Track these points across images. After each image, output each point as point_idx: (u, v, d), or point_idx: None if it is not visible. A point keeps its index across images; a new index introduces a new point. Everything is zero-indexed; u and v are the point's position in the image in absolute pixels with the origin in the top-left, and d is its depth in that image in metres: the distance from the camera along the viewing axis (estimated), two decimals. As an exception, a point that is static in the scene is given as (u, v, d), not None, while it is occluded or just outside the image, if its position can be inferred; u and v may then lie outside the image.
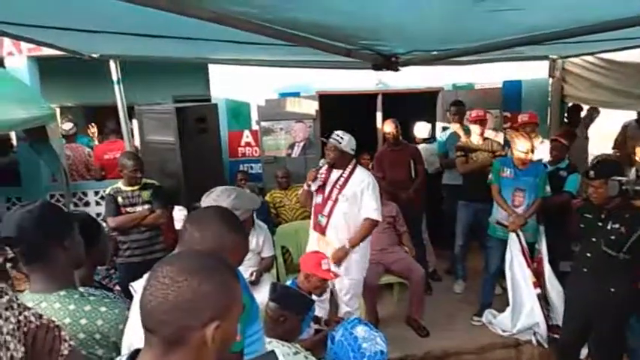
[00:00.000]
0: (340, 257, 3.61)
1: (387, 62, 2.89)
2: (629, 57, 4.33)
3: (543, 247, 4.09)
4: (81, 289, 1.81)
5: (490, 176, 4.36)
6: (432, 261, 5.34)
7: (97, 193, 5.59)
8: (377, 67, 2.94)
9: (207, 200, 1.91)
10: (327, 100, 5.95)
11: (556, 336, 3.82)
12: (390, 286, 4.73)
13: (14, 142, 5.98)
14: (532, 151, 4.17)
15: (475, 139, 4.90)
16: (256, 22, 1.97)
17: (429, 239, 5.36)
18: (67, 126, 5.91)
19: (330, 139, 3.66)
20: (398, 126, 4.94)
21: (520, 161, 4.17)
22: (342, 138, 3.65)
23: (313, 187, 3.74)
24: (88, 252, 1.83)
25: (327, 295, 3.63)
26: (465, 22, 2.19)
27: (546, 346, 3.94)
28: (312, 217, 3.89)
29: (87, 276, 1.95)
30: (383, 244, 4.47)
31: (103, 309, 1.54)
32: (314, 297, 3.11)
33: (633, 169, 2.42)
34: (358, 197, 3.66)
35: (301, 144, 5.88)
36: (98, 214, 5.20)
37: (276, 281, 3.42)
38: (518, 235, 4.02)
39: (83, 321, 1.49)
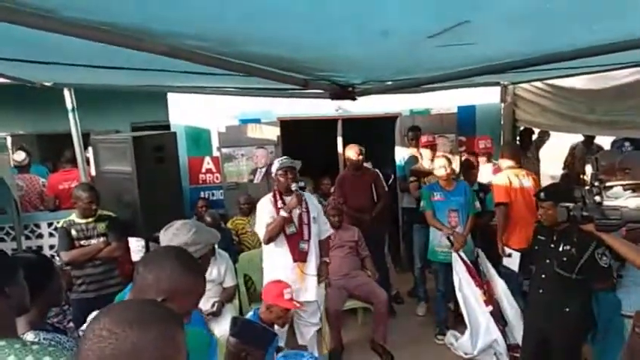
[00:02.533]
0: None
1: (345, 92, 2.95)
2: (575, 83, 4.56)
3: (489, 268, 4.22)
4: (30, 334, 1.73)
5: (422, 203, 4.51)
6: (395, 284, 5.38)
7: (50, 224, 5.37)
8: (334, 97, 2.99)
9: (165, 235, 1.87)
10: (288, 126, 5.98)
11: (516, 355, 3.89)
12: (354, 310, 4.73)
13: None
14: (449, 167, 4.41)
15: (426, 164, 5.06)
16: (211, 55, 1.97)
17: (391, 262, 5.41)
18: (20, 156, 5.70)
19: (294, 187, 3.65)
20: (362, 151, 5.00)
21: (443, 180, 4.41)
22: (292, 162, 3.73)
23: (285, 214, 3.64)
24: (40, 294, 1.76)
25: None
26: (419, 55, 2.26)
27: (507, 365, 4.01)
28: (284, 248, 3.71)
29: (38, 318, 1.86)
30: (346, 269, 4.48)
31: (47, 359, 1.46)
32: (276, 328, 3.08)
33: (580, 192, 2.52)
34: (317, 217, 3.83)
35: (263, 170, 5.87)
36: (52, 246, 5.01)
37: (237, 315, 3.35)
38: (460, 256, 4.14)
39: None
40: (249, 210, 5.16)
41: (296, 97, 4.19)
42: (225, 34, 1.75)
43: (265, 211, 3.72)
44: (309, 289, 3.74)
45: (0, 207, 5.22)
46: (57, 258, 4.30)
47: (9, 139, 6.81)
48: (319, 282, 3.79)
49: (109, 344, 0.86)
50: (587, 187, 2.16)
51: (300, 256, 3.71)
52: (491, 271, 4.20)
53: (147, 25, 1.54)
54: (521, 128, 6.13)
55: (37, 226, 5.38)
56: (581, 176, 5.56)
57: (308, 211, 3.77)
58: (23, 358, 1.44)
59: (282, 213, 3.63)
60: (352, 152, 5.02)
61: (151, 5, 1.33)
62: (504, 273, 4.23)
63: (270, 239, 3.66)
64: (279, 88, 3.71)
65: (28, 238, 5.27)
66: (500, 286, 4.09)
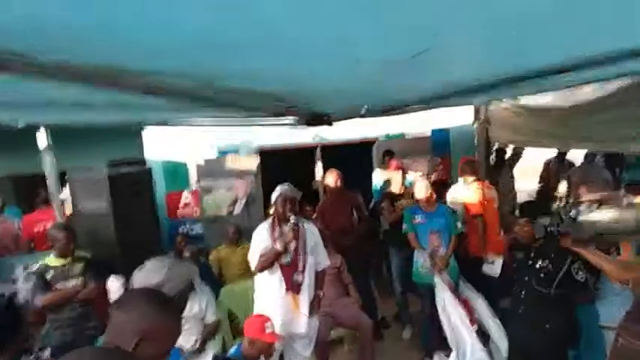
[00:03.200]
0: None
1: (320, 119, 2.98)
2: (545, 100, 4.68)
3: (465, 286, 4.25)
4: (-1, 385, 1.66)
5: (404, 226, 4.51)
6: (380, 308, 5.34)
7: (25, 268, 5.20)
8: (311, 124, 3.02)
9: (138, 275, 1.83)
10: (267, 156, 5.99)
11: (503, 374, 3.87)
12: (340, 338, 4.67)
13: None
14: (430, 190, 4.43)
15: (395, 188, 5.10)
16: (183, 89, 1.97)
17: (375, 286, 5.38)
18: (-7, 199, 5.57)
19: (292, 219, 3.53)
20: (340, 176, 5.02)
21: (424, 202, 4.41)
22: (293, 191, 3.64)
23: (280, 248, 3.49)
24: (9, 341, 1.70)
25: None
26: (390, 82, 2.30)
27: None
28: (277, 277, 3.59)
29: (8, 367, 1.79)
30: (330, 296, 4.42)
31: None
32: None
33: (555, 207, 2.57)
34: (314, 248, 3.71)
35: (243, 200, 5.84)
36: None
37: (217, 354, 3.26)
38: (442, 277, 4.13)
39: None
40: (237, 240, 5.09)
41: (271, 125, 4.21)
42: (194, 69, 1.75)
43: (260, 240, 3.55)
44: (300, 321, 3.63)
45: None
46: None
47: (-19, 183, 6.67)
48: (310, 315, 3.67)
49: None
50: (561, 204, 2.21)
51: (293, 287, 3.59)
52: (469, 289, 4.21)
53: (116, 63, 1.54)
54: (495, 147, 6.24)
55: (11, 269, 5.22)
56: (555, 191, 5.67)
57: (305, 242, 3.65)
58: None
59: (277, 246, 3.48)
60: (331, 179, 5.04)
61: (115, 46, 1.32)
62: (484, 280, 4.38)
63: (262, 269, 3.53)
64: (254, 116, 3.73)
65: (3, 282, 5.10)
66: (480, 304, 4.10)
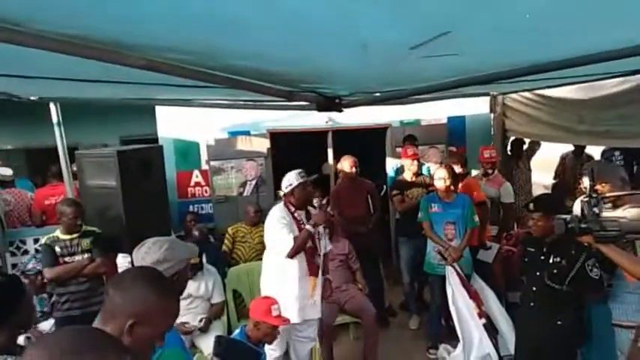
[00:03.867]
0: None
1: (331, 103, 2.92)
2: (563, 93, 4.57)
3: (477, 278, 4.20)
4: (-1, 358, 1.67)
5: (420, 214, 4.44)
6: (388, 296, 5.32)
7: (36, 240, 5.28)
8: (321, 109, 2.96)
9: (137, 254, 1.81)
10: (278, 138, 5.95)
11: (509, 367, 3.84)
12: (346, 325, 4.66)
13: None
14: (449, 180, 4.30)
15: (408, 176, 4.99)
16: (192, 68, 1.94)
17: (384, 274, 5.35)
18: (7, 171, 5.62)
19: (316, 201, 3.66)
20: (356, 162, 4.96)
21: (442, 192, 4.31)
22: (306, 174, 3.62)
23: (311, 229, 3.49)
24: (9, 317, 1.70)
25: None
26: (402, 67, 2.24)
27: (500, 379, 3.95)
28: (302, 262, 3.55)
29: (8, 341, 1.79)
30: (336, 282, 4.40)
31: None
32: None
33: (578, 203, 2.47)
34: (322, 232, 3.68)
35: (253, 182, 5.82)
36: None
37: (221, 335, 3.25)
38: (455, 268, 4.08)
39: None
40: (258, 220, 5.00)
41: (283, 109, 4.16)
42: (205, 47, 1.72)
43: (284, 224, 3.49)
44: (316, 305, 3.64)
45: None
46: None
47: (-5, 154, 6.76)
48: (322, 300, 3.68)
49: None
50: (584, 199, 2.12)
51: (314, 271, 3.58)
52: (480, 282, 4.15)
53: (121, 39, 1.50)
54: (512, 138, 6.13)
55: (23, 242, 5.29)
56: (579, 186, 5.47)
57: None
58: None
59: (309, 227, 3.46)
60: (347, 164, 4.99)
61: (125, 20, 1.29)
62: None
63: (296, 253, 3.47)
64: (265, 100, 3.69)
65: (13, 254, 5.18)
66: (491, 297, 4.05)
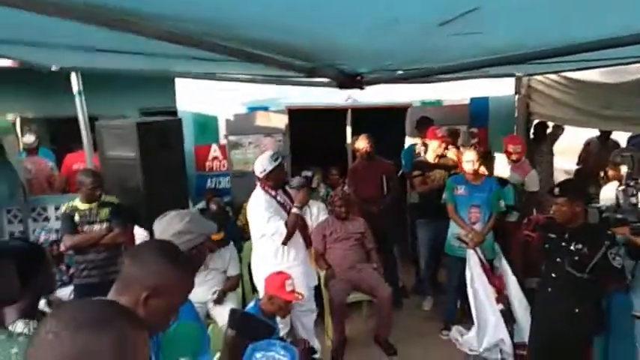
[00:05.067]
0: None
1: (352, 81, 2.87)
2: (591, 76, 4.43)
3: (504, 263, 4.11)
4: (20, 323, 1.70)
5: (444, 195, 4.37)
6: (401, 277, 5.31)
7: (57, 208, 5.37)
8: (342, 86, 2.92)
9: (159, 224, 1.82)
10: (296, 115, 5.90)
11: (523, 353, 3.81)
12: (359, 303, 4.68)
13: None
14: (478, 163, 4.22)
15: (431, 157, 4.90)
16: (212, 41, 1.91)
17: (399, 255, 5.33)
18: (29, 139, 5.69)
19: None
20: (371, 141, 4.91)
21: (470, 174, 4.22)
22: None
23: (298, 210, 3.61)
24: (30, 282, 1.73)
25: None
26: (428, 44, 2.18)
27: (513, 364, 3.93)
28: (299, 238, 3.73)
29: (29, 307, 1.82)
30: (351, 262, 4.41)
31: None
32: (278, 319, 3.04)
33: (608, 190, 2.38)
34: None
35: (270, 158, 5.80)
36: (58, 230, 5.01)
37: (236, 308, 3.29)
38: (476, 252, 4.02)
39: None
40: None
41: (303, 85, 4.11)
42: (225, 18, 1.68)
43: (270, 209, 3.53)
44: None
45: (9, 190, 5.23)
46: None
47: (18, 122, 6.83)
48: None
49: (53, 350, 0.78)
50: (620, 188, 2.03)
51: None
52: (505, 266, 4.09)
53: (139, 8, 1.48)
54: (535, 121, 5.99)
55: (44, 209, 5.38)
56: (605, 173, 5.34)
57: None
58: (8, 349, 1.41)
59: (296, 210, 3.54)
60: (362, 143, 4.95)
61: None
62: None
63: (289, 238, 3.53)
64: (285, 75, 3.64)
65: (35, 220, 5.28)
66: (512, 283, 4.00)
